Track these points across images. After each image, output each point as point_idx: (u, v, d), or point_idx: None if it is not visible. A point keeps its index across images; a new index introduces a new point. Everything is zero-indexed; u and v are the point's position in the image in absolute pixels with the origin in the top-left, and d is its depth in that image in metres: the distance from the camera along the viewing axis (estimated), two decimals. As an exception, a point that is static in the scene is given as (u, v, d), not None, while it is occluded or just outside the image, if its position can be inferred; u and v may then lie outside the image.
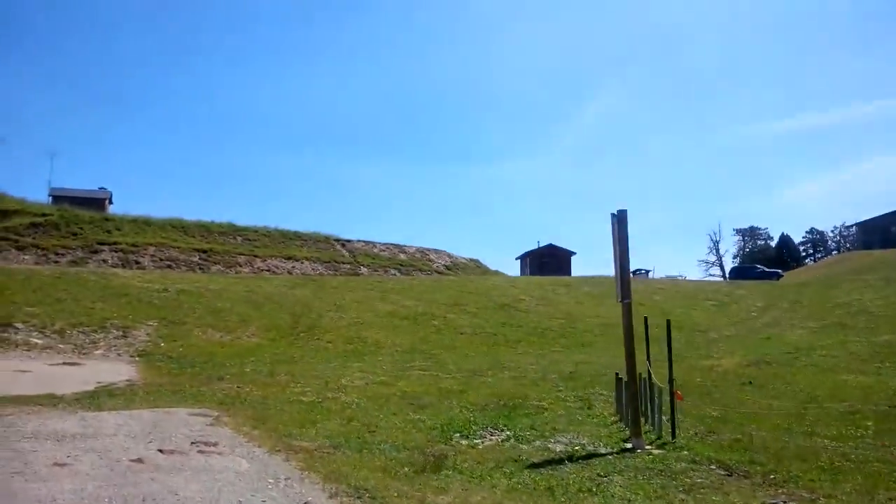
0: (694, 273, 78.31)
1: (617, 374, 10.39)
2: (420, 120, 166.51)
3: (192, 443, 7.07)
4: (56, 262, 35.22)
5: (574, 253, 55.75)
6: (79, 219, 39.86)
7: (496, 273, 51.72)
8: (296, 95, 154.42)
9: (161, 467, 5.99)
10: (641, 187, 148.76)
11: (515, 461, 6.78)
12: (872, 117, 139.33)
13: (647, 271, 59.28)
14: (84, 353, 17.40)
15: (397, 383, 13.60)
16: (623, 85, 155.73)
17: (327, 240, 46.31)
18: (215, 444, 7.01)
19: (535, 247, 56.65)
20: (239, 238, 43.43)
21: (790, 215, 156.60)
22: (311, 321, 23.17)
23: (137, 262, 37.71)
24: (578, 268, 56.81)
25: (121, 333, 19.17)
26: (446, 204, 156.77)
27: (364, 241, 47.64)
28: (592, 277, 44.57)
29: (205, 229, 42.86)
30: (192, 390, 11.74)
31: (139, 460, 6.15)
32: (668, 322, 8.95)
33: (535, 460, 6.89)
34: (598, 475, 6.36)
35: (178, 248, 40.46)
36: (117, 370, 14.87)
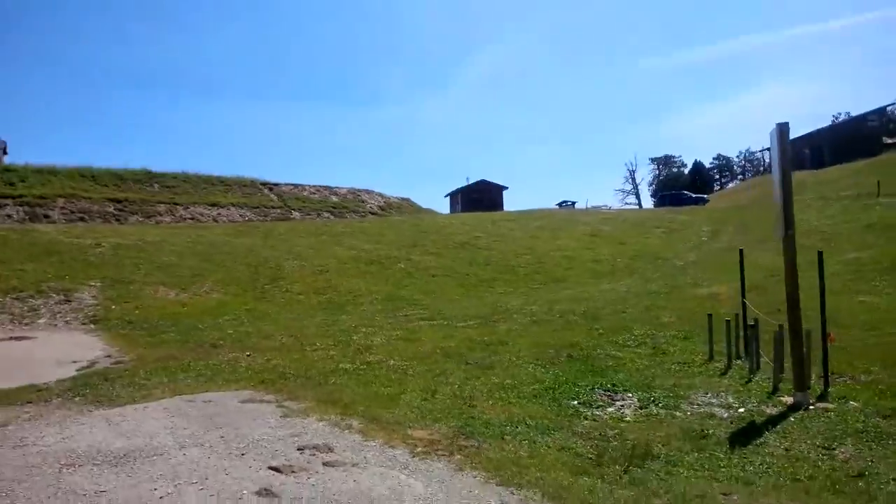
0: (612, 203, 79.61)
1: (740, 315, 9.30)
2: (327, 63, 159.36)
3: (299, 449, 5.44)
4: (-49, 220, 31.19)
5: (506, 188, 55.02)
6: (-27, 172, 35.39)
7: (429, 211, 50.29)
8: (200, 41, 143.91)
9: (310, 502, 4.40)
10: (551, 122, 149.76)
11: (702, 437, 5.58)
12: (771, 47, 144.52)
13: (573, 203, 59.42)
14: (25, 324, 14.96)
15: (419, 337, 12.17)
16: (524, 27, 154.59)
17: (253, 183, 43.33)
18: (331, 449, 5.42)
19: (465, 183, 55.51)
20: (156, 185, 39.90)
21: (695, 144, 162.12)
22: (272, 272, 21.16)
23: (46, 216, 33.93)
24: (509, 203, 56.26)
25: (62, 297, 16.68)
26: (364, 147, 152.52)
27: (292, 185, 44.90)
28: (532, 211, 44.00)
29: (117, 177, 39.05)
30: (199, 364, 9.93)
31: (267, 492, 4.50)
32: (821, 254, 7.59)
33: (722, 433, 5.70)
34: (823, 447, 5.25)
35: (89, 198, 36.72)
36: (81, 343, 12.71)
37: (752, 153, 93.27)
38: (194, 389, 8.18)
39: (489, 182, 54.42)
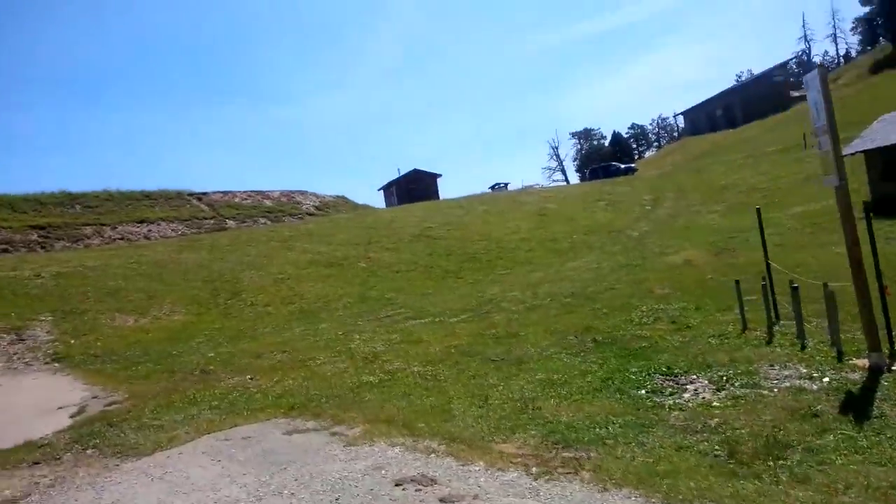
0: (540, 181, 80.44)
1: (791, 282, 9.21)
2: (210, 62, 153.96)
3: (397, 485, 4.87)
4: None
5: (440, 175, 54.52)
6: None
7: (366, 207, 49.39)
8: (87, 38, 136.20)
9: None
10: (458, 103, 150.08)
11: (815, 415, 5.31)
12: (668, 10, 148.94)
13: (506, 184, 59.64)
14: (-20, 370, 13.66)
15: (420, 338, 11.70)
16: (413, 6, 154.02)
17: (180, 195, 41.44)
18: (434, 481, 4.87)
19: (398, 175, 54.61)
20: (78, 206, 37.62)
21: (610, 115, 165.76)
22: (230, 286, 20.17)
23: (-38, 251, 31.49)
24: (444, 190, 55.80)
25: (15, 337, 15.35)
26: (266, 146, 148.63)
27: (222, 192, 43.18)
28: (475, 196, 43.83)
29: (37, 202, 36.60)
30: (205, 395, 9.18)
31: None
32: (867, 205, 7.33)
33: (830, 409, 5.40)
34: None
35: (10, 227, 34.30)
36: (55, 385, 11.65)
37: (665, 119, 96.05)
38: (220, 425, 7.49)
39: (422, 171, 53.86)
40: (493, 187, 58.95)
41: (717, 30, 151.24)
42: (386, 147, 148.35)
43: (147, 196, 40.27)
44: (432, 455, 5.58)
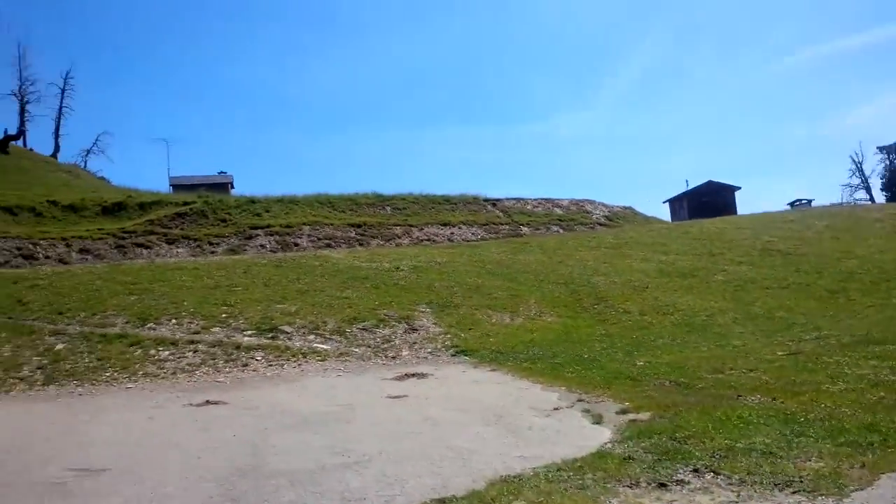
0: (839, 199, 71.34)
1: None
2: (487, 82, 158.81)
3: None
4: (212, 252, 31.95)
5: (738, 188, 49.82)
6: (224, 204, 36.45)
7: (655, 219, 46.63)
8: (357, 73, 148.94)
9: None
10: (722, 120, 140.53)
11: None
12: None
13: (809, 201, 53.20)
14: (390, 356, 13.48)
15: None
16: (670, 26, 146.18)
17: (476, 200, 41.94)
18: None
19: (686, 187, 51.12)
20: (388, 208, 39.45)
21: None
22: (589, 291, 18.86)
23: (296, 244, 34.13)
24: (742, 206, 50.99)
25: (407, 326, 15.20)
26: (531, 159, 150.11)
27: (514, 199, 43.11)
28: (794, 210, 39.24)
29: (352, 202, 39.00)
30: (768, 419, 7.39)
31: None
32: None
33: None
34: None
35: (331, 224, 36.73)
36: (498, 381, 10.80)
37: None
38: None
39: (718, 183, 49.61)
40: (792, 204, 52.99)
41: None
42: (665, 161, 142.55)
43: (447, 200, 41.26)
44: None
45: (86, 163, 50.05)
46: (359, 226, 37.48)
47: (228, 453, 6.90)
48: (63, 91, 47.27)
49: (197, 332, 14.23)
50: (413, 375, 11.50)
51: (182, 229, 34.68)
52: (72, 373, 12.20)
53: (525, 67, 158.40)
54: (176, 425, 8.40)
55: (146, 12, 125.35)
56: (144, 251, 31.59)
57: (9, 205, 34.01)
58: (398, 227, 37.70)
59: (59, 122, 47.71)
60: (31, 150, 44.53)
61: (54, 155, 46.81)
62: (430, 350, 13.91)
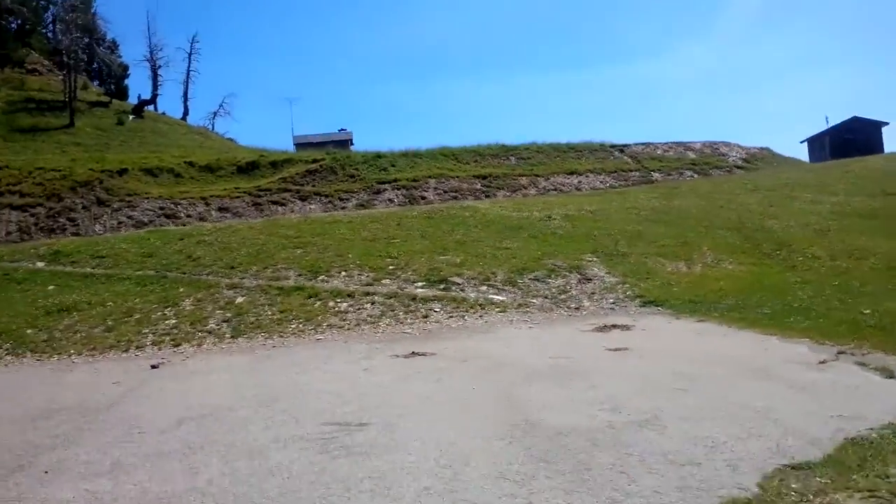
0: None
1: None
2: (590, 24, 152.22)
3: None
4: (343, 207, 32.19)
5: (886, 123, 45.54)
6: (351, 160, 36.55)
7: (794, 160, 43.45)
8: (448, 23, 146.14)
9: None
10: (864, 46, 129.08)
11: None
12: None
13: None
14: (571, 307, 12.78)
15: None
16: None
17: (602, 147, 40.28)
18: None
19: (826, 125, 47.12)
20: (513, 158, 38.48)
21: None
22: (767, 236, 17.43)
23: (423, 198, 33.85)
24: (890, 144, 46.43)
25: (579, 276, 14.44)
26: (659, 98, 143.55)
27: (643, 144, 41.12)
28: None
29: (476, 154, 38.27)
30: None
31: None
32: None
33: None
34: None
35: (456, 177, 36.18)
36: (720, 333, 9.92)
37: None
38: None
39: (863, 119, 45.61)
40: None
41: None
42: (802, 96, 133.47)
43: (572, 148, 39.86)
44: None
45: (213, 125, 51.64)
46: (484, 177, 36.79)
47: (487, 407, 6.42)
48: (190, 55, 48.60)
49: (370, 284, 14.01)
50: (614, 327, 10.76)
51: (313, 186, 35.07)
52: (257, 325, 12.21)
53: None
54: (404, 378, 8.03)
55: None
56: (279, 208, 32.17)
57: (149, 167, 35.35)
58: (524, 178, 36.76)
59: (187, 85, 49.26)
60: (163, 113, 46.20)
61: (184, 118, 48.45)
62: (612, 301, 13.10)
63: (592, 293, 13.54)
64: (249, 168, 36.76)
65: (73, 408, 7.58)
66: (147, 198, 32.30)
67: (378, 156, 37.88)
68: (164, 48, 47.87)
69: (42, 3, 48.69)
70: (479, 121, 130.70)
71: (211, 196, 32.55)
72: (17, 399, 8.35)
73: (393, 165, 37.10)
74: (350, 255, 15.65)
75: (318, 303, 13.12)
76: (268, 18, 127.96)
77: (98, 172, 33.27)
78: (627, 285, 13.88)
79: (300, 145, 46.08)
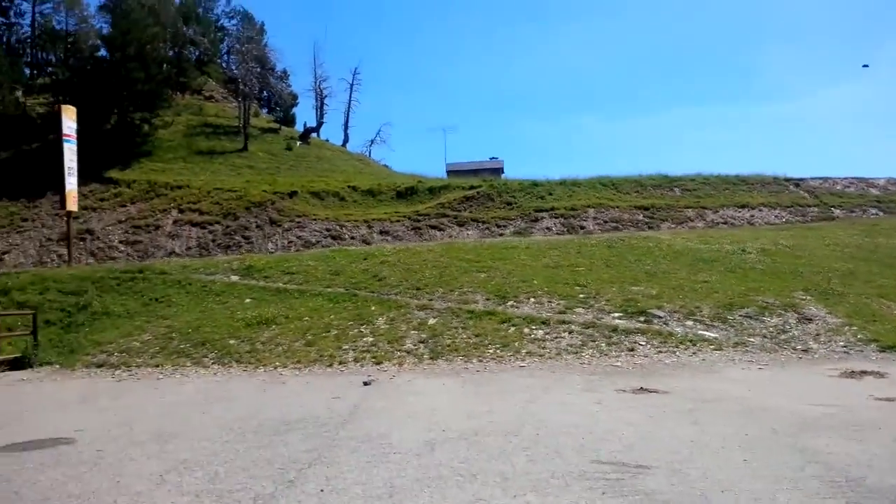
0: None
1: None
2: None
3: None
4: (500, 234, 31.96)
5: None
6: (508, 188, 36.43)
7: None
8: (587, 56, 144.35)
9: None
10: None
11: None
12: None
13: None
14: (797, 349, 11.51)
15: None
16: None
17: (776, 181, 37.76)
18: None
19: None
20: (676, 189, 36.90)
21: None
22: None
23: (582, 227, 33.00)
24: None
25: (797, 315, 13.10)
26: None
27: (820, 179, 38.27)
28: None
29: (637, 184, 37.06)
30: None
31: None
32: None
33: None
34: None
35: (617, 207, 35.10)
36: None
37: None
38: None
39: None
40: None
41: None
42: None
43: (743, 181, 37.69)
44: None
45: (370, 152, 53.41)
46: (646, 208, 35.48)
47: (780, 457, 5.57)
48: (351, 86, 50.72)
49: (562, 312, 13.39)
50: (864, 373, 9.48)
51: (470, 212, 35.17)
52: (454, 348, 11.90)
53: (787, 39, 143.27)
54: (651, 417, 7.29)
55: (414, 11, 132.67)
56: (437, 233, 32.45)
57: (316, 190, 36.85)
58: (690, 210, 35.10)
59: (347, 114, 51.36)
60: (326, 140, 48.34)
61: (343, 144, 50.44)
62: (842, 344, 11.70)
63: (817, 335, 12.18)
64: (408, 193, 37.49)
65: (306, 421, 7.44)
66: (315, 219, 33.63)
67: (535, 184, 37.50)
68: (328, 79, 50.43)
69: (218, 34, 52.71)
70: (632, 152, 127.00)
71: (373, 219, 33.42)
72: (247, 409, 8.38)
73: (550, 194, 36.57)
74: (535, 282, 15.13)
75: (513, 329, 12.65)
76: (420, 52, 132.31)
77: (270, 194, 35.10)
78: (855, 328, 12.40)
79: (452, 172, 46.64)
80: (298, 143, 42.87)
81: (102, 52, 41.24)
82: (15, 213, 33.87)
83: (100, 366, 12.65)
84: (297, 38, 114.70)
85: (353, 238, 31.46)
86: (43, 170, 36.76)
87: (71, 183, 21.92)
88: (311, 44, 63.45)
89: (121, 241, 30.65)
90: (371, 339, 12.50)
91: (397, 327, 12.98)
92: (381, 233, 32.21)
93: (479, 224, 33.90)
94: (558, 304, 13.80)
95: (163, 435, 6.99)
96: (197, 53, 49.31)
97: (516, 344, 11.93)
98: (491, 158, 51.96)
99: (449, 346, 11.97)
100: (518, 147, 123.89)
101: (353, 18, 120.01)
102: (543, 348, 11.76)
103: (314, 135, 46.89)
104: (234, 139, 42.56)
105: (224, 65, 53.33)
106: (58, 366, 12.98)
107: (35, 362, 13.28)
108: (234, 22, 53.73)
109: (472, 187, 37.16)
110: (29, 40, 47.45)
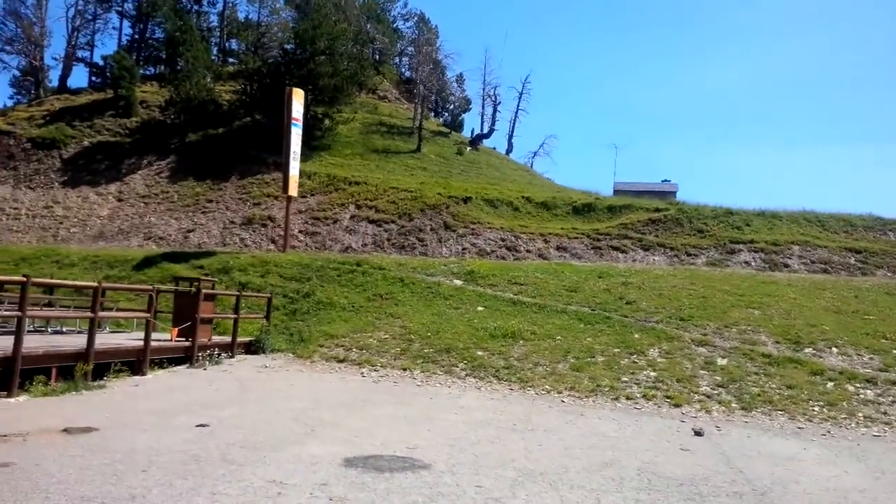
0: None
1: None
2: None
3: None
4: (691, 263, 29.29)
5: None
6: (700, 213, 33.61)
7: None
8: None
9: None
10: None
11: None
12: None
13: None
14: None
15: None
16: None
17: None
18: None
19: None
20: (890, 233, 32.81)
21: None
22: None
23: (785, 265, 29.71)
24: None
25: None
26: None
27: None
28: None
29: (846, 223, 33.32)
30: None
31: None
32: None
33: None
34: None
35: (826, 247, 31.46)
36: None
37: None
38: None
39: None
40: None
41: None
42: None
43: (973, 230, 33.04)
44: None
45: (532, 163, 51.80)
46: (858, 251, 31.68)
47: None
48: (521, 95, 49.31)
49: (884, 370, 10.98)
50: None
51: (656, 236, 32.65)
52: (767, 399, 9.86)
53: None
54: None
55: (593, 22, 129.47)
56: (620, 255, 30.11)
57: (490, 198, 35.52)
58: (909, 258, 30.98)
59: (514, 123, 50.01)
60: (493, 148, 47.20)
61: (507, 153, 49.13)
62: None
63: None
64: (585, 210, 35.49)
65: (696, 483, 5.66)
66: (489, 227, 32.19)
67: (729, 212, 34.50)
68: (498, 87, 49.17)
69: (394, 35, 52.87)
70: (836, 185, 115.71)
71: (549, 233, 31.60)
72: (600, 452, 6.73)
73: (748, 224, 33.51)
74: (825, 328, 12.75)
75: (830, 384, 10.41)
76: (591, 66, 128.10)
77: (445, 198, 34.05)
78: None
79: (619, 192, 44.18)
80: (468, 148, 41.92)
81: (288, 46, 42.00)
82: (200, 193, 34.70)
83: (339, 360, 11.61)
84: (468, 44, 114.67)
85: (528, 251, 29.79)
86: (229, 154, 37.56)
87: (294, 167, 21.44)
88: (480, 49, 62.37)
89: (300, 231, 30.50)
90: (653, 373, 10.67)
91: (679, 363, 11.08)
92: (557, 248, 30.34)
93: (667, 250, 31.29)
94: (870, 358, 11.38)
95: (532, 473, 5.42)
96: (376, 53, 49.59)
97: (845, 404, 9.68)
98: (663, 181, 49.00)
99: (759, 396, 9.93)
100: (690, 170, 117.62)
101: (524, 28, 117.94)
102: (884, 413, 9.44)
103: (483, 141, 45.85)
104: (408, 140, 42.19)
105: (396, 66, 53.43)
106: (291, 355, 12.02)
107: (267, 347, 12.42)
108: (409, 24, 53.77)
109: (657, 210, 34.66)
110: (217, 29, 49.36)
